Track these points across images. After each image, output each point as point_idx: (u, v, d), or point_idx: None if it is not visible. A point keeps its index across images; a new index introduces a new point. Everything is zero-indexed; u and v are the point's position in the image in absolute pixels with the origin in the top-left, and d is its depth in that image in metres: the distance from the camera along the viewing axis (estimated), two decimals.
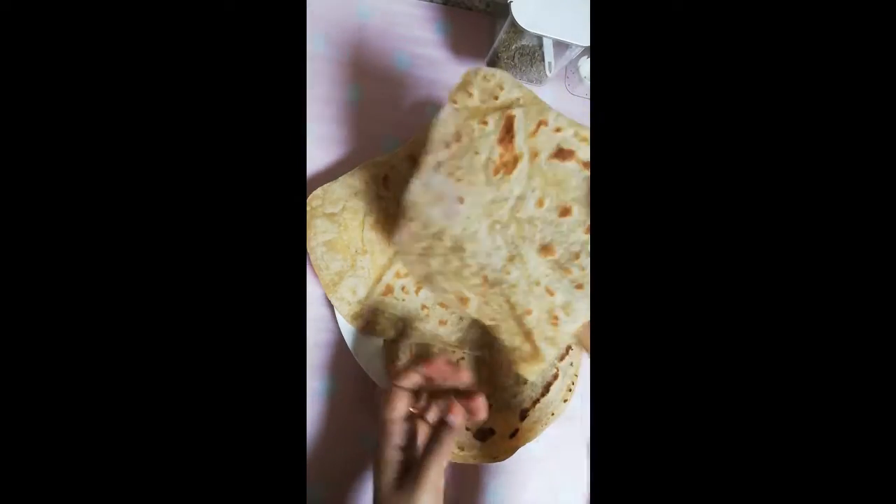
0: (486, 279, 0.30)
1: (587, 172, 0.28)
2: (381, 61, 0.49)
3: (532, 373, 0.35)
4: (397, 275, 0.43)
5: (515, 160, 0.28)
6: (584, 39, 0.39)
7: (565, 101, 0.53)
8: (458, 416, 0.33)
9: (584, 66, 0.48)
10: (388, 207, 0.43)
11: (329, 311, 0.45)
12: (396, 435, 0.33)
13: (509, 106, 0.27)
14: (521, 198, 0.28)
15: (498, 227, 0.29)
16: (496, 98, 0.28)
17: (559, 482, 0.48)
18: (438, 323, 0.43)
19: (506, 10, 0.39)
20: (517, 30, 0.41)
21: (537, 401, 0.42)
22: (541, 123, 0.28)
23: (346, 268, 0.42)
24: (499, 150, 0.28)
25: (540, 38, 0.46)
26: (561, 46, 0.44)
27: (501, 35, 0.45)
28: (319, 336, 0.45)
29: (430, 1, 0.51)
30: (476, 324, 0.42)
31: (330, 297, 0.43)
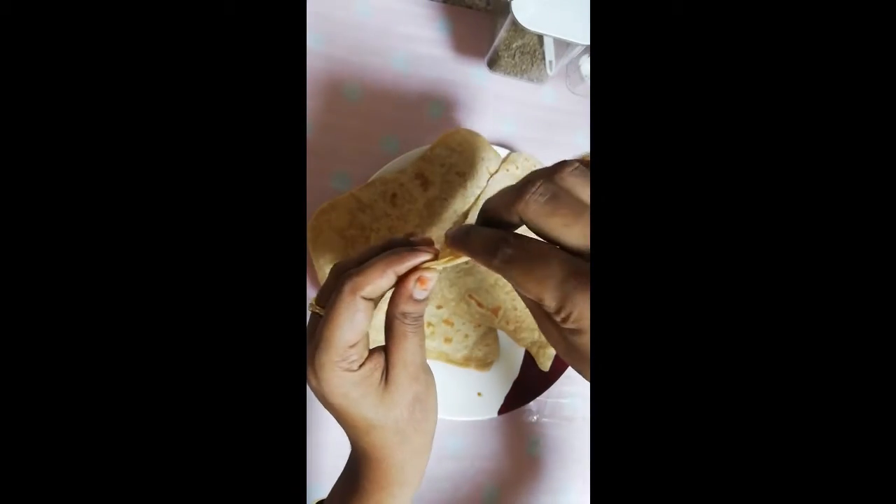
0: None
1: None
2: (381, 60, 0.49)
3: (549, 358, 0.47)
4: None
5: None
6: (585, 38, 0.39)
7: (566, 100, 0.53)
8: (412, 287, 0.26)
9: (586, 64, 0.48)
10: (395, 225, 0.45)
11: None
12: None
13: None
14: None
15: None
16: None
17: (559, 482, 0.48)
18: (444, 340, 0.44)
19: (506, 8, 0.39)
20: (518, 28, 0.40)
21: None
22: None
23: None
24: None
25: (541, 36, 0.46)
26: (562, 45, 0.44)
27: (502, 34, 0.45)
28: None
29: None
30: (482, 341, 0.46)
31: None
